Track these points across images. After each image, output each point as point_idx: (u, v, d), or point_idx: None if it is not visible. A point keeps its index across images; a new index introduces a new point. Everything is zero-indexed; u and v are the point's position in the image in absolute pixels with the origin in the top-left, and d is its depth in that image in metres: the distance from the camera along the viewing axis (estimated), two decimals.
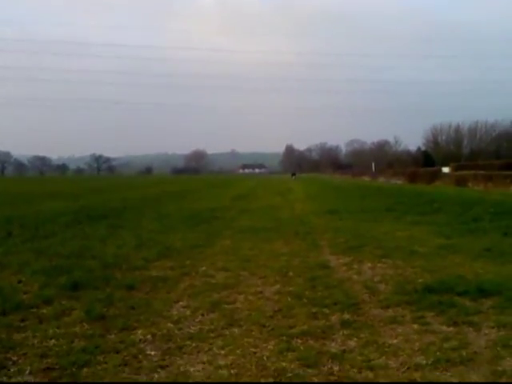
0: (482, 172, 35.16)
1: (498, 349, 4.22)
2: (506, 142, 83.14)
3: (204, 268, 7.72)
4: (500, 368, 3.83)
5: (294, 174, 79.74)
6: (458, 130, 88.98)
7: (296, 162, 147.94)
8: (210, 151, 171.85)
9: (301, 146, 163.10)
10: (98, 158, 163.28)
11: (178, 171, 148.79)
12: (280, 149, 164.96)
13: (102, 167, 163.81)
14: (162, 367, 4.05)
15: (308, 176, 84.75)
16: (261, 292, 6.30)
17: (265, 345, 4.48)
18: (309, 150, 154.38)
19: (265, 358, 4.19)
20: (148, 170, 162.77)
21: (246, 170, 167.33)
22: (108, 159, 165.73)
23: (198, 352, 4.36)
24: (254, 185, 48.62)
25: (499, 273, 6.95)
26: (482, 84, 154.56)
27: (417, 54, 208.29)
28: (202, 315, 5.38)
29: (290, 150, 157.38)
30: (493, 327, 4.78)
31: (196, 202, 21.80)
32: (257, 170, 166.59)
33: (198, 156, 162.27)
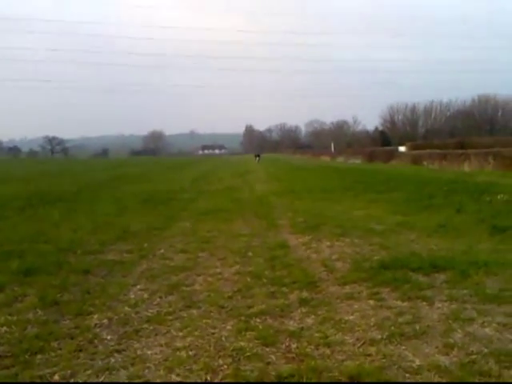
0: (436, 151, 36.13)
1: (450, 322, 4.36)
2: (459, 122, 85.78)
3: (162, 251, 7.62)
4: (451, 340, 3.95)
5: (257, 156, 61.76)
6: (413, 109, 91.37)
7: (256, 143, 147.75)
8: (168, 132, 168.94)
9: (261, 126, 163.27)
10: (51, 140, 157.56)
11: (135, 153, 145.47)
12: (240, 129, 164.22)
13: (55, 149, 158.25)
14: (119, 351, 3.99)
15: (268, 156, 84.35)
16: (220, 273, 6.27)
17: (223, 325, 4.48)
18: (269, 130, 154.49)
19: (223, 338, 4.19)
20: (104, 153, 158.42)
21: (206, 152, 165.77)
22: (62, 141, 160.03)
23: (156, 335, 4.32)
24: (214, 166, 48.36)
25: (452, 248, 7.16)
26: (438, 64, 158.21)
27: (373, 33, 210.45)
28: (160, 298, 5.32)
29: (250, 131, 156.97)
30: (445, 301, 4.93)
31: (154, 184, 21.46)
32: (217, 151, 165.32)
33: (156, 137, 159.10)
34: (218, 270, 6.40)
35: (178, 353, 3.93)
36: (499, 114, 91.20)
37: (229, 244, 8.04)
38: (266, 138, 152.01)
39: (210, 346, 4.03)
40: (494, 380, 3.28)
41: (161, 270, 6.48)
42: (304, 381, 3.39)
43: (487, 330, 4.15)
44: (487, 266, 6.00)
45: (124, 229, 9.41)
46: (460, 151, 32.74)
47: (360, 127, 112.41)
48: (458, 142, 44.62)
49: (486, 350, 3.72)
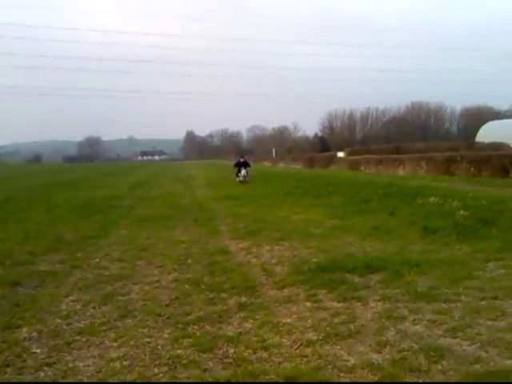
0: (373, 156, 37.39)
1: (383, 320, 4.49)
2: (394, 128, 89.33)
3: (97, 260, 7.39)
4: (384, 338, 4.07)
5: (243, 166, 24.50)
6: (351, 116, 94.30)
7: (197, 149, 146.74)
8: (105, 138, 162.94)
9: (202, 131, 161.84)
10: None
11: (70, 159, 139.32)
12: (181, 135, 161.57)
13: None
14: (49, 365, 3.84)
15: (210, 162, 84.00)
16: (157, 281, 6.16)
17: (159, 334, 4.40)
18: (210, 135, 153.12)
19: (159, 347, 4.12)
20: (37, 159, 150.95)
21: (146, 158, 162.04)
22: None
23: (89, 346, 4.18)
24: (154, 172, 47.51)
25: (385, 250, 7.41)
26: (374, 72, 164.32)
27: (314, 41, 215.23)
28: (94, 308, 5.17)
29: (190, 136, 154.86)
30: (379, 300, 5.07)
31: (90, 191, 20.76)
32: (156, 157, 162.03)
33: (93, 143, 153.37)
34: (156, 278, 6.28)
35: (111, 364, 3.82)
36: (431, 120, 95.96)
37: (167, 251, 7.92)
38: (207, 144, 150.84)
39: (145, 356, 3.94)
40: (423, 374, 3.40)
41: (95, 279, 6.28)
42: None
43: (418, 327, 4.30)
44: (418, 265, 6.24)
45: (57, 238, 9.03)
46: (395, 156, 34.07)
47: (300, 133, 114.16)
48: (393, 148, 46.39)
49: (416, 347, 3.85)
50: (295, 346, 3.98)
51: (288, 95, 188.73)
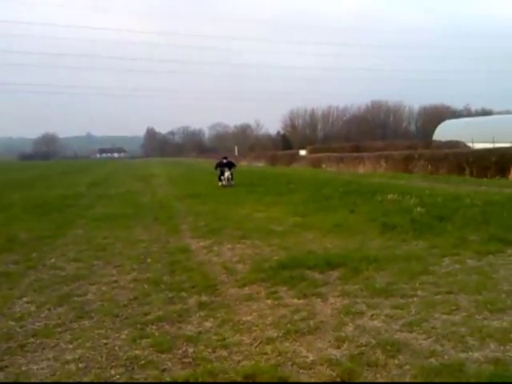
0: (334, 154, 37.93)
1: (342, 316, 4.54)
2: (355, 126, 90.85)
3: (53, 260, 7.18)
4: (343, 334, 4.11)
5: (227, 167, 20.37)
6: (312, 114, 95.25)
7: (158, 146, 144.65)
8: (62, 135, 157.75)
9: (163, 129, 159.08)
10: None
11: (26, 157, 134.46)
12: (141, 132, 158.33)
13: None
14: (1, 368, 3.71)
15: (171, 160, 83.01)
16: (115, 281, 6.04)
17: (117, 335, 4.31)
18: (171, 133, 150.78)
19: (116, 347, 4.04)
20: None
21: (104, 155, 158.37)
22: None
23: (43, 349, 4.07)
24: (113, 170, 46.66)
25: (345, 246, 7.50)
26: (335, 71, 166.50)
27: (275, 39, 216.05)
28: (49, 310, 5.03)
29: (151, 134, 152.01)
30: (338, 296, 5.13)
31: (46, 190, 20.15)
32: (116, 155, 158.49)
33: (49, 140, 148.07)
34: (114, 278, 6.16)
35: (66, 366, 3.73)
36: (391, 118, 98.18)
37: (126, 251, 7.77)
38: (168, 141, 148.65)
39: (101, 357, 3.86)
40: (380, 369, 3.45)
41: (50, 280, 6.11)
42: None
43: (376, 322, 4.37)
44: (377, 261, 6.36)
45: (11, 238, 8.74)
46: (355, 154, 34.69)
47: (263, 131, 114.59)
48: (353, 146, 47.25)
49: (374, 342, 3.91)
50: (255, 344, 3.97)
51: (250, 93, 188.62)
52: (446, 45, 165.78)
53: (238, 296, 5.28)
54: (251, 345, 3.97)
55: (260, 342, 4.00)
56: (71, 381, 3.51)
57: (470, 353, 3.63)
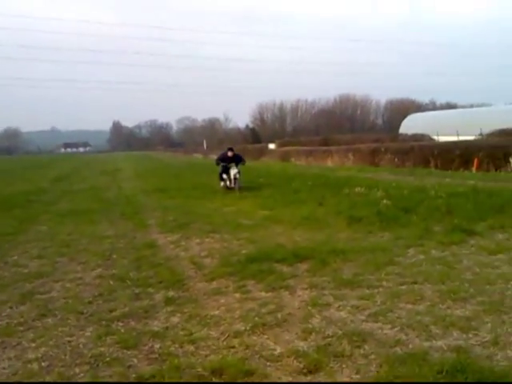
0: (303, 148, 38.14)
1: (309, 308, 4.56)
2: (323, 120, 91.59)
3: (15, 257, 7.00)
4: (310, 325, 4.13)
5: (233, 162, 15.27)
6: (281, 107, 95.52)
7: (125, 140, 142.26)
8: (25, 129, 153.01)
9: (130, 122, 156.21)
10: None
11: None
12: (107, 126, 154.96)
13: None
14: None
15: (138, 154, 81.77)
16: (80, 278, 5.92)
17: (81, 332, 4.23)
18: (138, 127, 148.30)
19: (81, 345, 3.96)
20: None
21: (69, 150, 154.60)
22: None
23: (4, 348, 3.98)
24: (78, 165, 45.73)
25: (314, 239, 7.54)
26: (304, 64, 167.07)
27: (242, 32, 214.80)
28: (11, 308, 4.92)
29: (117, 127, 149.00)
30: (306, 289, 5.15)
31: (8, 186, 19.58)
32: (81, 149, 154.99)
33: (11, 135, 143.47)
34: (79, 275, 6.04)
35: (29, 365, 3.65)
36: (358, 112, 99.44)
37: (91, 247, 7.63)
38: (135, 135, 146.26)
39: (65, 355, 3.78)
40: (346, 359, 3.49)
41: (12, 278, 5.96)
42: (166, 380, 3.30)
43: (342, 313, 4.41)
44: (344, 253, 6.41)
45: None
46: (324, 148, 34.98)
47: (232, 124, 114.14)
48: (322, 139, 47.67)
49: (340, 332, 3.94)
50: (222, 338, 3.95)
51: (218, 86, 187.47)
52: (412, 40, 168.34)
53: (205, 290, 5.24)
54: (218, 339, 3.95)
55: (227, 336, 3.98)
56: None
57: (434, 341, 3.70)
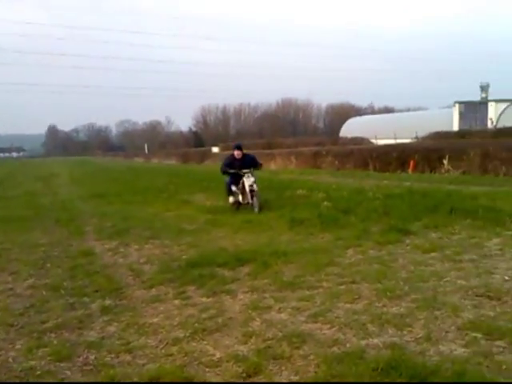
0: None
1: (250, 311, 4.54)
2: (266, 123, 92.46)
3: None
4: (250, 329, 4.11)
5: (247, 168, 10.94)
6: (224, 111, 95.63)
7: (61, 145, 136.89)
8: None
9: (66, 126, 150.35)
10: None
11: None
12: (42, 130, 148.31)
13: None
14: None
15: (75, 159, 79.01)
16: (11, 289, 5.63)
17: (11, 345, 4.02)
18: (75, 130, 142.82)
19: (10, 359, 3.77)
20: None
21: (2, 154, 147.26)
22: None
23: None
24: (10, 170, 43.60)
25: (256, 242, 7.53)
26: (247, 68, 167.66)
27: (184, 34, 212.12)
28: None
29: (53, 131, 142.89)
30: (247, 292, 5.13)
31: None
32: (14, 154, 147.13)
33: None
34: (9, 286, 5.75)
35: None
36: (300, 116, 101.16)
37: (23, 256, 7.26)
38: (72, 139, 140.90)
39: None
40: (285, 361, 3.50)
41: None
42: None
43: (282, 315, 4.42)
44: (286, 255, 6.45)
45: None
46: (267, 151, 35.28)
47: (174, 128, 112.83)
48: (265, 143, 48.00)
49: (280, 334, 3.95)
50: (161, 346, 3.86)
51: (159, 89, 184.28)
52: (352, 45, 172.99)
53: (144, 298, 5.11)
54: (157, 347, 3.85)
55: (166, 344, 3.89)
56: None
57: (370, 339, 3.78)
